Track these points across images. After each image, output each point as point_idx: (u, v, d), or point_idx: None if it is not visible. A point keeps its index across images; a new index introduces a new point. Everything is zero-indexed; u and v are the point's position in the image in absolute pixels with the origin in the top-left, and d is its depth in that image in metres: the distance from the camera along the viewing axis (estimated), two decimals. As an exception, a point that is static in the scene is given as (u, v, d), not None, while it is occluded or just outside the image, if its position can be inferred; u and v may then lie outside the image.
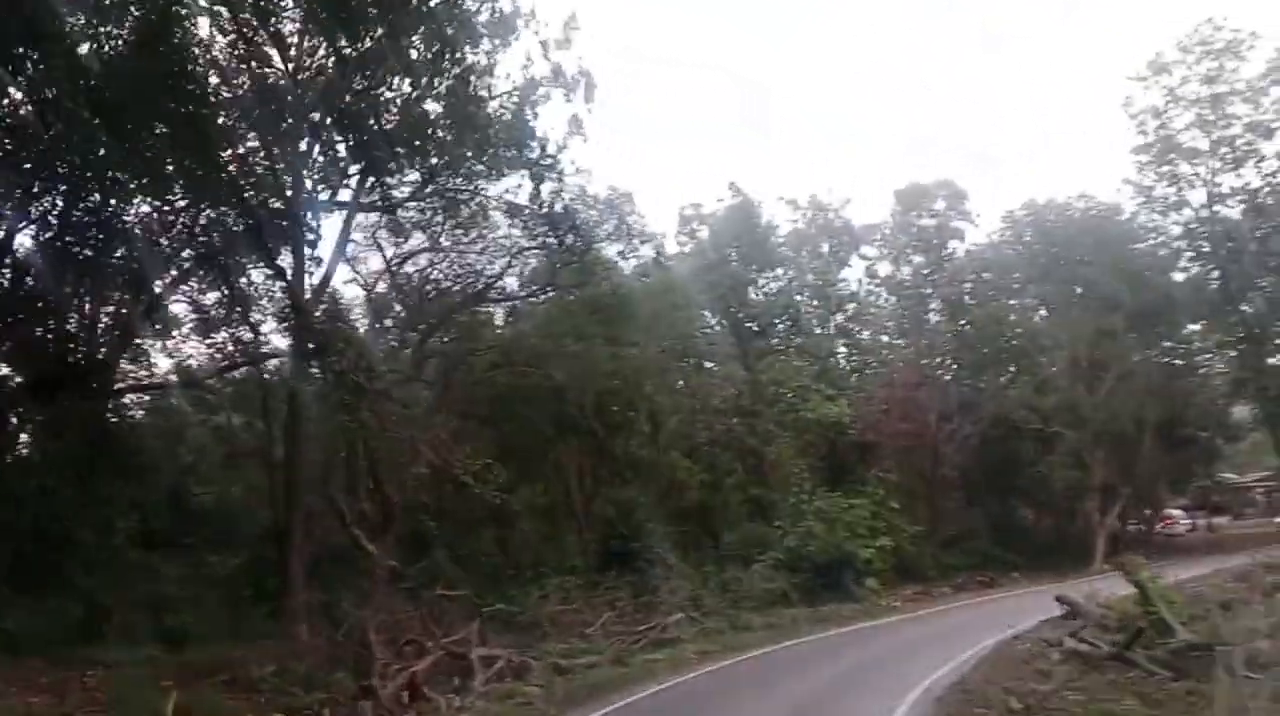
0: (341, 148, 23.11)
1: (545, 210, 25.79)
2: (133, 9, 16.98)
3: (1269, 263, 36.76)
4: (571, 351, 34.28)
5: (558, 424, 36.37)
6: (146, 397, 30.80)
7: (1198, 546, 52.35)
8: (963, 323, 50.61)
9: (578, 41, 24.62)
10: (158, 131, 17.46)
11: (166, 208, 22.66)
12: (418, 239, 31.49)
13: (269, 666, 16.97)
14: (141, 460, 27.05)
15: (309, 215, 23.06)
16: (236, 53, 21.70)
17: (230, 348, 28.44)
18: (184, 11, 17.10)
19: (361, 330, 29.93)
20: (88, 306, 24.74)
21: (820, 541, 33.74)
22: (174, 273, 25.21)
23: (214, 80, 21.01)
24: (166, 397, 31.22)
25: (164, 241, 23.80)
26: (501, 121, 23.49)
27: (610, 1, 78.43)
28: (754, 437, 41.42)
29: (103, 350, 24.82)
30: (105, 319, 25.63)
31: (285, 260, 23.87)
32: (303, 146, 23.88)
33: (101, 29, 16.57)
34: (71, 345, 23.55)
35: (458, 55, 21.19)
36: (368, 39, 19.77)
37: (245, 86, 22.24)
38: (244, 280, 26.00)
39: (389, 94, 22.07)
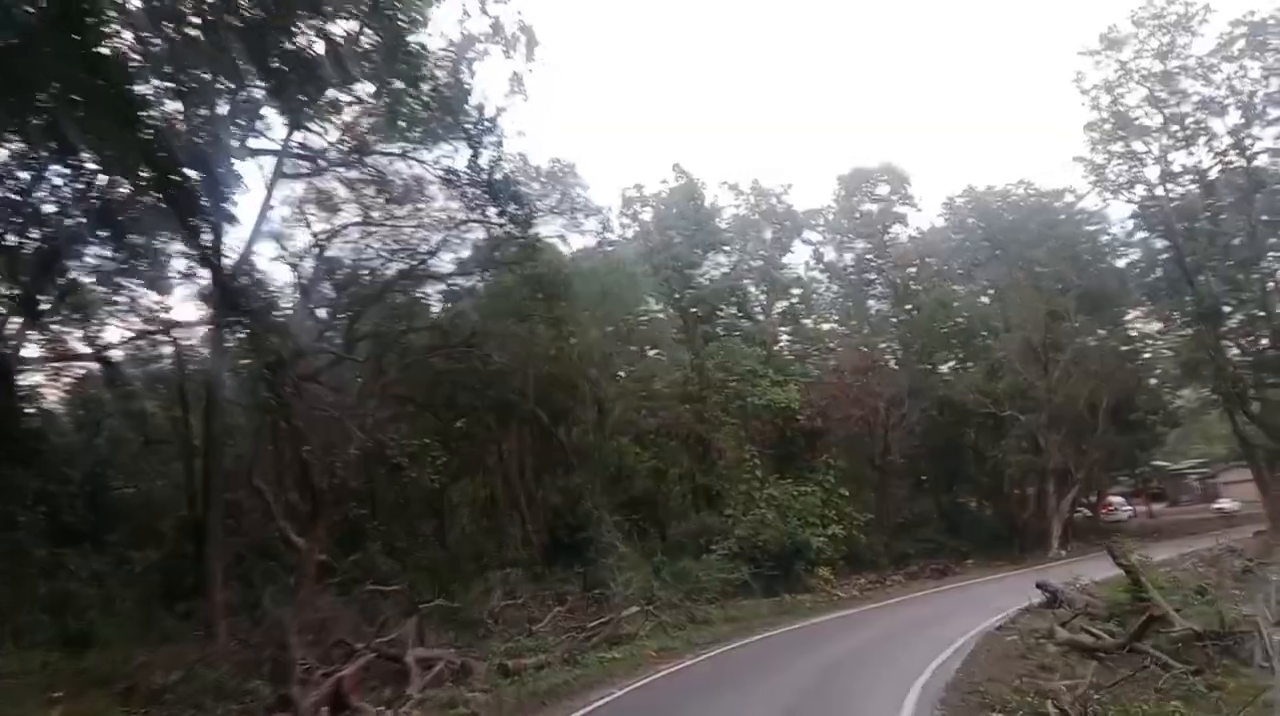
0: (261, 92, 21.00)
1: (484, 178, 24.00)
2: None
3: (1222, 241, 36.37)
4: (513, 333, 32.73)
5: (499, 410, 34.85)
6: (61, 385, 28.78)
7: (1142, 532, 52.46)
8: (908, 307, 50.04)
9: (517, -2, 23.10)
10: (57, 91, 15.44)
11: (79, 179, 20.61)
12: (349, 214, 29.59)
13: (175, 673, 14.98)
14: (49, 449, 24.90)
15: (229, 172, 20.94)
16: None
17: (145, 324, 26.42)
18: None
19: (288, 309, 27.97)
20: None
21: (773, 530, 32.54)
22: (84, 248, 23.24)
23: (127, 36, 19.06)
24: (85, 387, 29.19)
25: (74, 215, 21.82)
26: (436, 79, 21.72)
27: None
28: (701, 424, 40.12)
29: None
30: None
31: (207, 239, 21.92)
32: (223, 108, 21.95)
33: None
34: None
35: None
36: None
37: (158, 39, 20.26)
38: (161, 255, 24.09)
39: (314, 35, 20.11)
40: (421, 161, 25.04)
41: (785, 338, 50.20)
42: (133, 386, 29.16)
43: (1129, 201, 41.06)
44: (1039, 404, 41.84)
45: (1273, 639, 12.06)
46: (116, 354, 27.64)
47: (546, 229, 31.36)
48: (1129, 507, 70.42)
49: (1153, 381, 50.06)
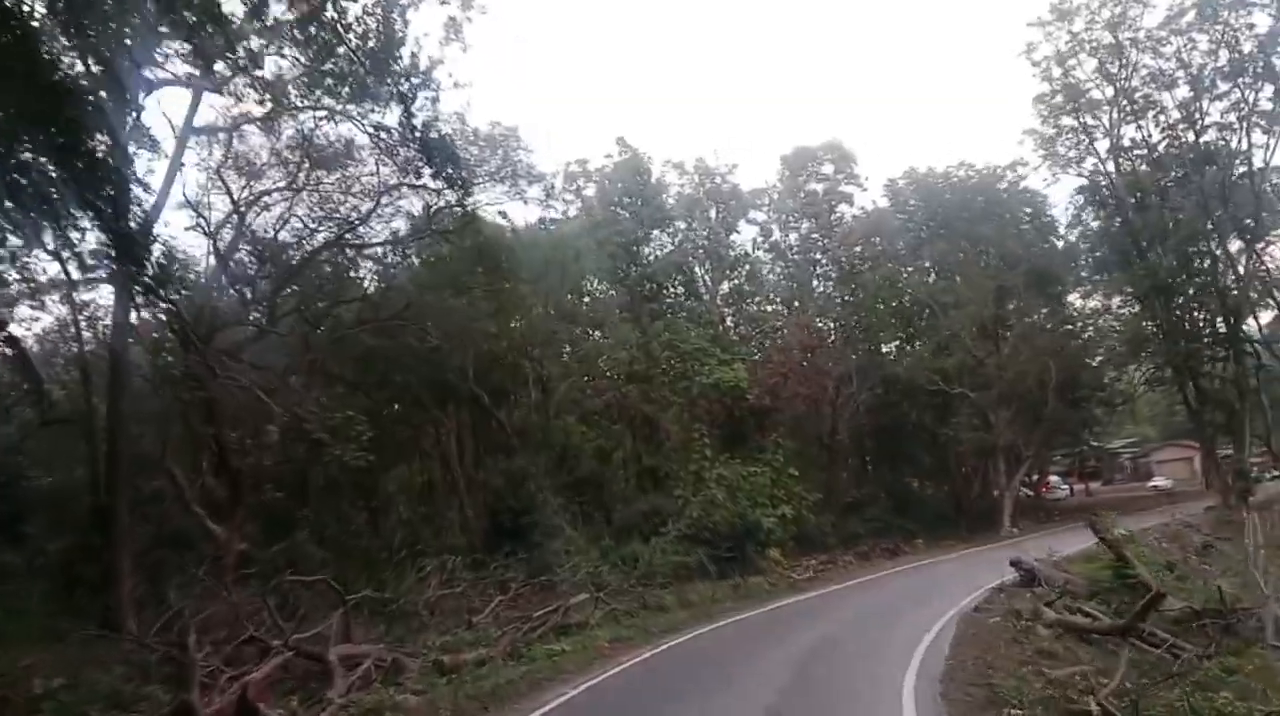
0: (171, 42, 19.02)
1: (418, 136, 22.18)
2: None
3: (1171, 216, 35.88)
4: (450, 308, 31.03)
5: (436, 390, 33.24)
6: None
7: (1081, 510, 52.47)
8: (854, 287, 49.19)
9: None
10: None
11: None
12: (273, 180, 27.65)
13: (59, 679, 13.07)
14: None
15: (134, 124, 18.91)
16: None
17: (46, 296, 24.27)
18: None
19: (205, 281, 25.97)
20: None
21: (724, 510, 31.38)
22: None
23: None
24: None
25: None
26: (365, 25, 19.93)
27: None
28: (648, 404, 38.82)
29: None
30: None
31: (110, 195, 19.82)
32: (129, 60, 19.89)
33: None
34: None
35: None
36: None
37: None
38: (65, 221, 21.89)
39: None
40: (350, 117, 23.11)
41: (731, 318, 49.10)
42: (35, 365, 26.89)
43: (1079, 174, 40.53)
44: (989, 380, 41.20)
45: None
46: (18, 331, 25.41)
47: (486, 196, 29.72)
48: (1065, 486, 71.06)
49: (1096, 360, 49.72)
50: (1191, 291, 38.93)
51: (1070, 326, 49.30)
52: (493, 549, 26.94)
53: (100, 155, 18.02)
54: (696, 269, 47.03)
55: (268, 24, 20.24)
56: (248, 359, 25.62)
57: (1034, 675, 11.75)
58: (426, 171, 23.94)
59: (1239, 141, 36.09)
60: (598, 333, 42.42)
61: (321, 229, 28.25)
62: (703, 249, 46.98)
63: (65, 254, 23.54)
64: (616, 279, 41.45)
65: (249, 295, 28.55)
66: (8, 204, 20.30)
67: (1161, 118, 37.68)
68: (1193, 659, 11.56)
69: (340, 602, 16.97)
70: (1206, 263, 38.21)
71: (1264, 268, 36.91)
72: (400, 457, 40.95)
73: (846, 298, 48.22)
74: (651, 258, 43.43)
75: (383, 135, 22.87)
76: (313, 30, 20.13)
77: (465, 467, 35.72)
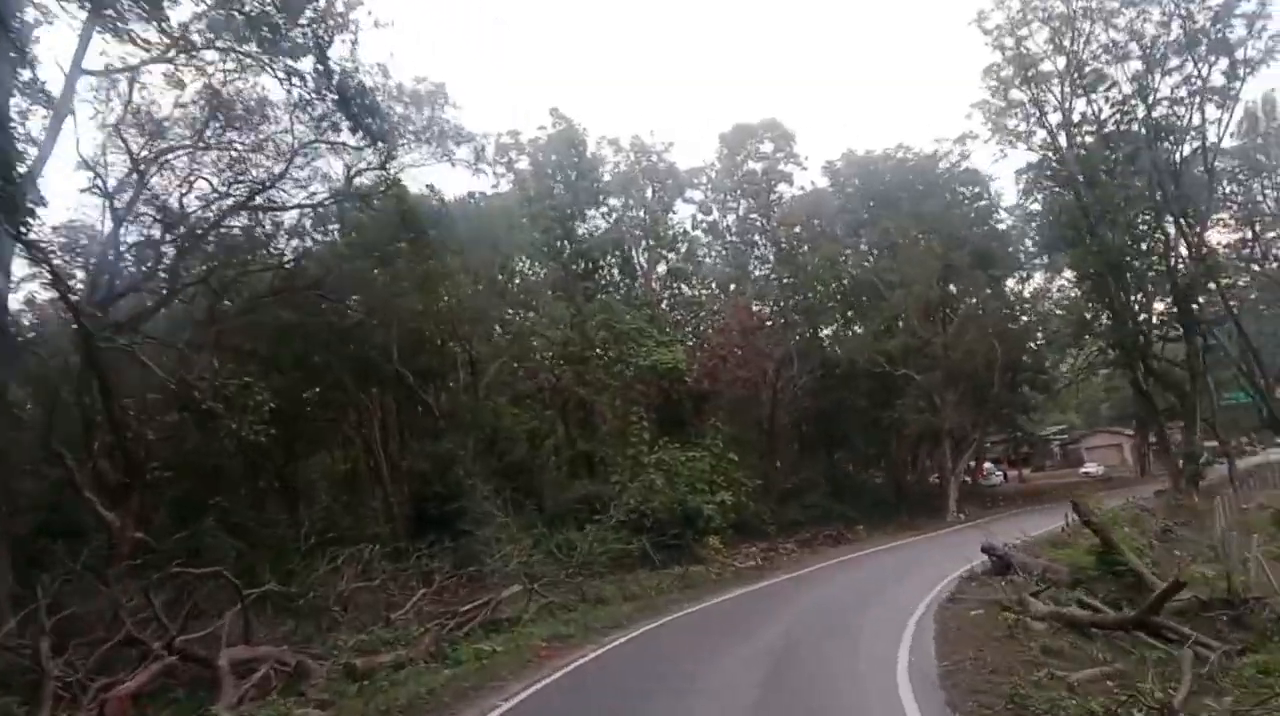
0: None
1: (334, 82, 20.25)
2: None
3: (1122, 193, 35.27)
4: (372, 280, 29.11)
5: (359, 368, 31.31)
6: None
7: (1020, 496, 52.33)
8: (794, 267, 48.11)
9: None
10: None
11: None
12: (178, 138, 25.35)
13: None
14: None
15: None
16: None
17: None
18: None
19: (97, 243, 23.63)
20: None
21: (663, 496, 29.95)
22: None
23: None
24: None
25: None
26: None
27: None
28: (583, 387, 37.27)
29: None
30: None
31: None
32: None
33: None
34: None
35: None
36: None
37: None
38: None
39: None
40: (261, 63, 21.02)
41: (668, 302, 47.74)
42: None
43: (1029, 149, 39.80)
44: (935, 361, 40.32)
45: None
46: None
47: (412, 157, 27.65)
48: (999, 472, 71.27)
49: (1036, 343, 49.34)
50: (1143, 268, 38.39)
51: (1008, 310, 48.86)
52: (417, 537, 24.98)
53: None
54: (633, 248, 45.50)
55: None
56: (148, 331, 23.59)
57: (1050, 680, 10.12)
58: (344, 124, 22.06)
59: (1190, 117, 35.69)
60: (531, 313, 40.64)
61: (231, 192, 26.04)
62: (640, 228, 45.46)
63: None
64: (550, 256, 39.73)
65: (150, 263, 26.24)
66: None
67: (1113, 92, 37.15)
68: (1221, 658, 10.26)
69: (240, 598, 15.01)
70: (1158, 240, 37.78)
71: (1211, 247, 36.85)
72: (321, 442, 38.94)
73: (786, 279, 47.06)
74: (586, 235, 41.75)
75: (295, 82, 20.86)
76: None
77: (390, 452, 33.86)
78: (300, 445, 37.25)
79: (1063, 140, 37.98)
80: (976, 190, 48.80)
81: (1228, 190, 39.76)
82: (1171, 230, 37.09)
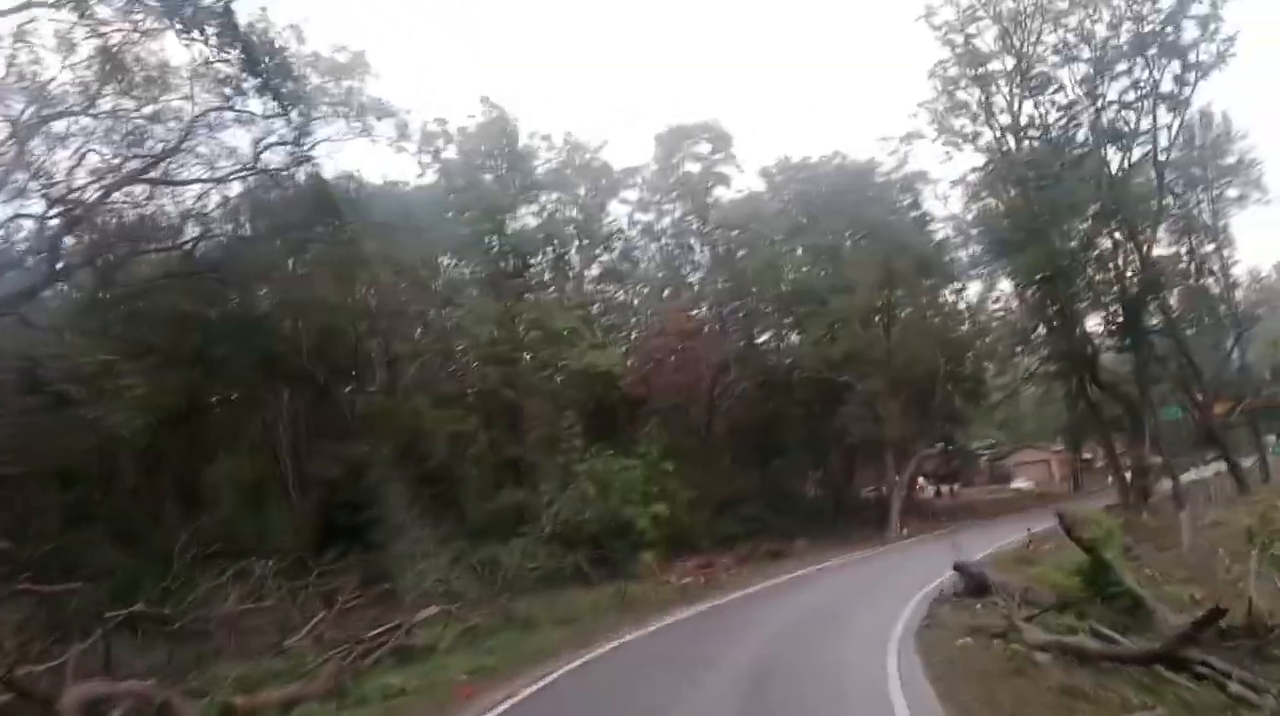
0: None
1: (240, 35, 17.91)
2: None
3: (1067, 199, 34.36)
4: (281, 267, 26.70)
5: (266, 365, 28.78)
6: None
7: (959, 511, 51.37)
8: (732, 271, 46.62)
9: None
10: None
11: None
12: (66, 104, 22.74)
13: None
14: None
15: None
16: None
17: None
18: None
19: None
20: None
21: (596, 508, 27.93)
22: None
23: None
24: None
25: None
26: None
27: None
28: (511, 389, 35.10)
29: None
30: None
31: None
32: None
33: None
34: None
35: None
36: None
37: None
38: None
39: None
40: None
41: (601, 304, 45.93)
42: None
43: (976, 150, 38.76)
44: (878, 368, 38.90)
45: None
46: None
47: (328, 131, 25.25)
48: (931, 487, 70.64)
49: (975, 354, 48.47)
50: (1090, 276, 37.63)
51: (943, 319, 47.99)
52: (325, 550, 22.35)
53: None
54: (566, 247, 43.54)
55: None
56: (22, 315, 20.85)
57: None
58: (251, 85, 19.71)
59: (1138, 123, 34.98)
60: (459, 311, 38.24)
61: (125, 167, 23.42)
62: (573, 226, 43.50)
63: None
64: (479, 250, 37.50)
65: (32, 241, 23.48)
66: None
67: (1060, 95, 36.42)
68: (1277, 699, 8.55)
69: (101, 620, 12.56)
70: (1105, 248, 37.06)
71: (1157, 255, 36.29)
72: (227, 444, 36.24)
73: (724, 283, 45.52)
74: (519, 230, 39.60)
75: (197, 36, 18.45)
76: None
77: (297, 455, 31.34)
78: (204, 447, 34.62)
79: (1011, 142, 37.09)
80: (913, 200, 47.92)
81: (1165, 203, 39.15)
82: (1120, 236, 36.25)
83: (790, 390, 43.49)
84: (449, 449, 32.77)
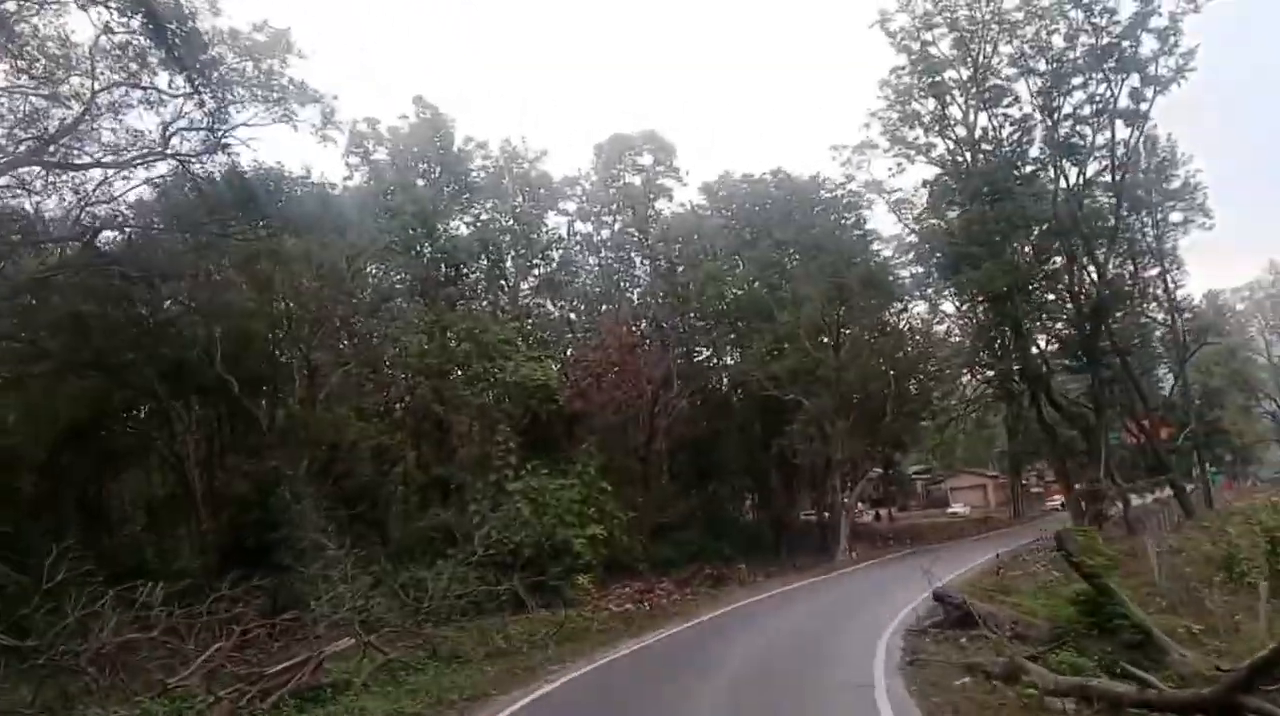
0: None
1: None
2: None
3: (1021, 216, 33.72)
4: (190, 264, 24.63)
5: (173, 373, 26.76)
6: None
7: (903, 535, 50.43)
8: (674, 285, 45.42)
9: None
10: None
11: None
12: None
13: None
14: None
15: None
16: None
17: None
18: None
19: None
20: None
21: (530, 529, 26.20)
22: None
23: None
24: None
25: None
26: None
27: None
28: (441, 404, 33.29)
29: None
30: None
31: None
32: None
33: None
34: None
35: None
36: None
37: None
38: None
39: None
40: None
41: (535, 318, 44.27)
42: None
43: (929, 162, 37.98)
44: (826, 385, 37.70)
45: None
46: None
47: (245, 115, 23.17)
48: (870, 511, 70.02)
49: (923, 375, 47.73)
50: (1042, 294, 37.15)
51: (887, 336, 47.28)
52: (226, 572, 20.05)
53: None
54: (502, 255, 41.85)
55: None
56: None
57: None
58: (157, 59, 17.82)
59: (1094, 138, 34.58)
60: (387, 319, 36.24)
61: (17, 147, 21.26)
62: (509, 235, 41.85)
63: None
64: (409, 256, 35.67)
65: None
66: None
67: (1015, 109, 36.00)
68: None
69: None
70: (1059, 265, 36.55)
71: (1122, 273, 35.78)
72: (134, 459, 33.89)
73: (665, 297, 44.21)
74: (452, 236, 37.83)
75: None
76: None
77: (210, 471, 29.21)
78: (108, 462, 32.26)
79: (966, 156, 36.39)
80: (857, 217, 47.25)
81: (1122, 217, 38.78)
82: (1076, 251, 35.68)
83: (731, 409, 42.25)
84: (373, 465, 30.76)
